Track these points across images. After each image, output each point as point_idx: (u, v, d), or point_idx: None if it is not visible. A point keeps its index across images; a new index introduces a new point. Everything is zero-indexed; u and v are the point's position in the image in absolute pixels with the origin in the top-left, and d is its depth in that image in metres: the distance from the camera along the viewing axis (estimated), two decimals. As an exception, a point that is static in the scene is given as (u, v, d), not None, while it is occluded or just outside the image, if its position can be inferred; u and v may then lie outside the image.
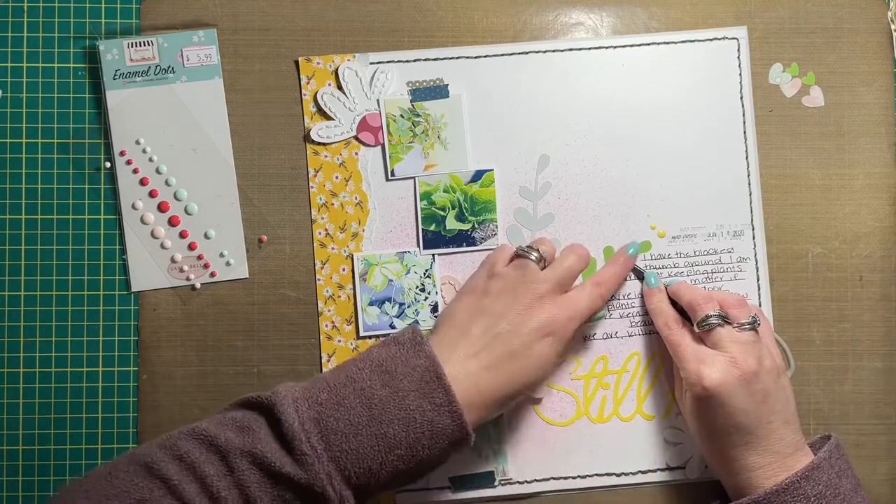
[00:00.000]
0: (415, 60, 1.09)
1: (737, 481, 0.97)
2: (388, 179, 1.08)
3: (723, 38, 1.10)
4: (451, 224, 1.08)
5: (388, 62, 1.09)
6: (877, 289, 1.09)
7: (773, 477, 0.94)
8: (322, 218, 1.08)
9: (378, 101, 1.08)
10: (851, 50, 1.10)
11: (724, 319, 0.98)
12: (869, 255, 1.09)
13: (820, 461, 0.94)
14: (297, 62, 1.08)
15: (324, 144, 1.08)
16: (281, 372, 1.06)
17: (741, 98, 1.10)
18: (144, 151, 1.07)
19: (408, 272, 1.07)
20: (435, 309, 1.07)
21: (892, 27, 1.09)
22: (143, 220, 1.07)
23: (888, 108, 1.10)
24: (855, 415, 1.09)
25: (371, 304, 1.07)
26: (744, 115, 1.10)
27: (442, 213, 1.08)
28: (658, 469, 1.08)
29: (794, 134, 1.10)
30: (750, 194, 1.09)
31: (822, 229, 1.09)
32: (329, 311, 1.08)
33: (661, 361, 1.09)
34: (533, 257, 1.00)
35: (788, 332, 1.09)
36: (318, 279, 1.08)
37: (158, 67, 1.07)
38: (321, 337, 1.07)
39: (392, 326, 1.07)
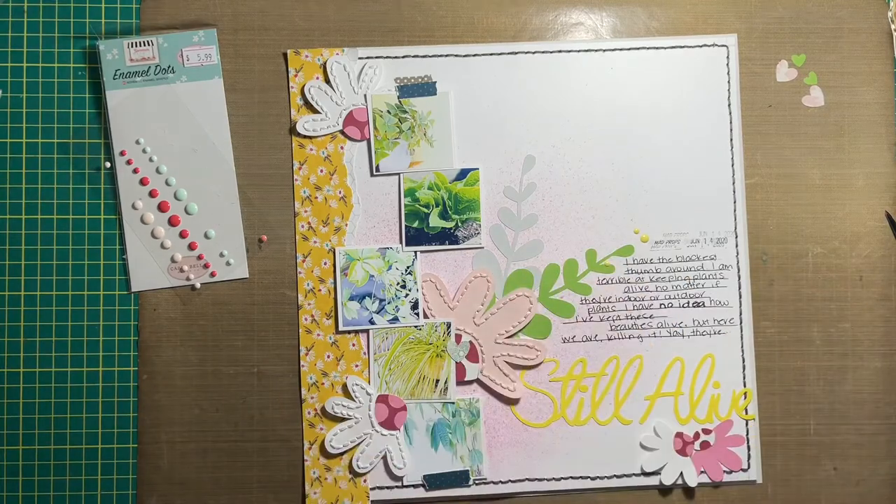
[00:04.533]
0: (403, 57, 1.09)
1: None
2: (372, 175, 1.08)
3: (713, 45, 1.10)
4: (435, 222, 1.08)
5: (376, 57, 1.09)
6: (877, 288, 1.10)
7: None
8: (305, 211, 1.08)
9: (365, 96, 1.08)
10: (852, 50, 1.10)
11: None
12: (869, 254, 1.09)
13: None
14: (285, 54, 1.08)
15: (309, 137, 1.08)
16: (281, 372, 1.06)
17: (729, 105, 1.10)
18: (144, 151, 1.07)
19: (389, 268, 1.07)
20: (415, 306, 1.07)
21: (893, 27, 1.09)
22: (143, 220, 1.07)
23: (888, 108, 1.10)
24: (855, 414, 1.09)
25: (351, 298, 1.07)
26: (731, 122, 1.10)
27: (426, 210, 1.08)
28: (633, 474, 1.08)
29: (794, 134, 1.10)
30: (734, 202, 1.09)
31: (822, 229, 1.09)
32: (309, 304, 1.08)
33: (640, 366, 1.09)
34: None
35: (789, 331, 1.09)
36: (300, 272, 1.08)
37: (158, 67, 1.07)
38: (300, 330, 1.07)
39: (372, 322, 1.07)
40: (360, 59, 1.08)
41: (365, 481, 1.06)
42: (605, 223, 1.09)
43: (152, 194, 1.07)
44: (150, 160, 1.07)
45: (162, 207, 1.07)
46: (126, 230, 1.06)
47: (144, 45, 1.07)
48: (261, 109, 1.08)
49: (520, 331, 1.08)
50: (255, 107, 1.08)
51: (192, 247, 1.07)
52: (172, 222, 1.07)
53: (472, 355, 1.07)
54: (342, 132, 1.08)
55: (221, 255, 1.07)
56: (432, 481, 1.07)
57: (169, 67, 1.07)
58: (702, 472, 1.08)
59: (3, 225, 1.07)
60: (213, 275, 1.08)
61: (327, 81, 1.08)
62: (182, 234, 1.08)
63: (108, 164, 1.07)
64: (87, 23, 1.08)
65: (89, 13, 1.08)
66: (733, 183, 1.09)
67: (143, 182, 1.07)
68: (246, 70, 1.08)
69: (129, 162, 1.07)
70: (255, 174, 1.08)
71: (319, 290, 1.07)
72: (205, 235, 1.08)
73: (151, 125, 1.07)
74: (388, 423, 1.06)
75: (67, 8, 1.08)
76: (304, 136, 1.08)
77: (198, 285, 1.07)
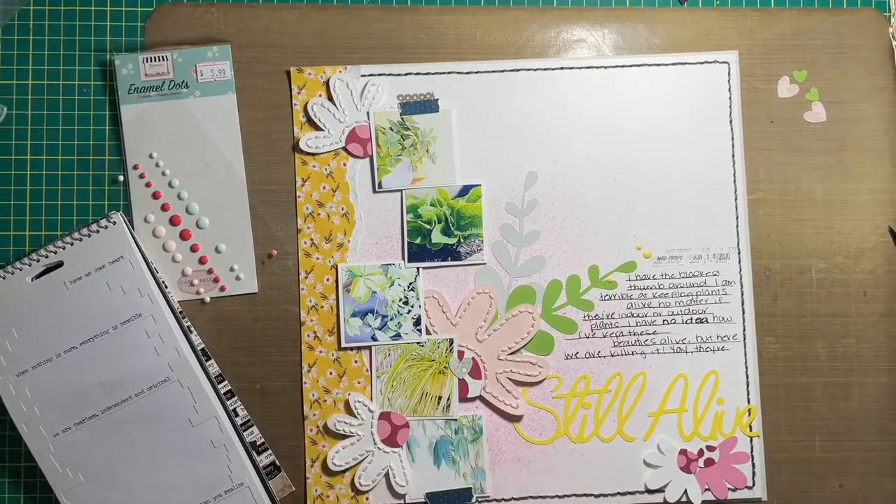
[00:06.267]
0: (406, 74, 1.09)
1: None
2: (375, 191, 1.08)
3: (714, 62, 1.10)
4: (437, 238, 1.08)
5: (379, 75, 1.09)
6: (881, 304, 1.09)
7: None
8: (308, 228, 1.08)
9: (368, 113, 1.08)
10: (853, 65, 1.10)
11: None
12: (873, 270, 1.09)
13: None
14: (288, 72, 1.09)
15: (312, 154, 1.08)
16: (283, 388, 1.07)
17: (730, 122, 1.09)
18: (157, 165, 1.08)
19: (392, 284, 1.08)
20: (418, 322, 1.08)
21: (894, 43, 1.09)
22: (154, 234, 1.08)
23: (890, 123, 1.09)
24: (861, 431, 1.08)
25: (354, 315, 1.07)
26: (733, 138, 1.09)
27: (428, 226, 1.08)
28: (637, 491, 1.08)
29: (796, 149, 1.10)
30: (737, 217, 1.09)
31: (825, 245, 1.09)
32: (311, 320, 1.08)
33: (644, 383, 1.08)
34: None
35: (793, 347, 1.09)
36: (302, 289, 1.08)
37: (172, 82, 1.07)
38: (302, 347, 1.08)
39: (374, 338, 1.07)
40: (362, 76, 1.08)
41: (367, 499, 1.07)
42: (607, 239, 1.09)
43: (164, 208, 1.08)
44: (163, 174, 1.08)
45: (173, 221, 1.08)
46: (137, 243, 1.06)
47: (159, 60, 1.07)
48: (265, 126, 1.08)
49: (522, 347, 1.08)
50: (260, 123, 1.08)
51: (202, 261, 1.08)
52: (184, 236, 1.08)
53: (475, 372, 1.07)
54: (345, 149, 1.08)
55: (231, 269, 1.08)
56: (435, 499, 1.07)
57: (183, 83, 1.08)
58: (706, 489, 1.07)
59: (23, 241, 1.08)
60: (222, 289, 1.08)
61: (330, 99, 1.08)
62: (193, 248, 1.08)
63: (120, 178, 1.07)
64: (108, 41, 1.09)
65: (111, 32, 1.09)
66: (735, 199, 1.09)
67: (155, 196, 1.08)
68: (250, 87, 1.08)
69: (141, 176, 1.08)
70: (261, 190, 1.08)
71: (322, 307, 1.08)
72: (215, 250, 1.08)
73: (165, 139, 1.08)
74: (391, 441, 1.07)
75: (88, 26, 1.09)
76: (307, 153, 1.08)
77: (207, 299, 1.08)
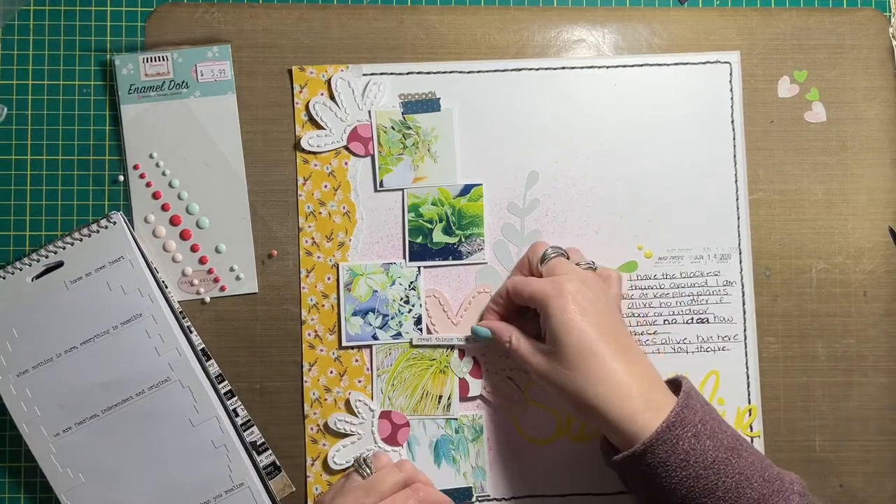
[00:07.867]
0: (408, 73, 1.09)
1: (620, 414, 0.90)
2: (376, 190, 1.08)
3: (715, 62, 1.10)
4: (438, 237, 1.08)
5: (380, 74, 1.09)
6: (881, 304, 1.09)
7: (654, 406, 0.90)
8: (309, 226, 1.08)
9: (369, 112, 1.08)
10: (853, 66, 1.10)
11: (562, 254, 1.02)
12: (873, 270, 1.09)
13: (689, 389, 0.92)
14: (290, 71, 1.09)
15: (314, 153, 1.08)
16: (283, 388, 1.07)
17: (732, 122, 1.09)
18: (157, 165, 1.08)
19: (393, 284, 1.08)
20: (418, 321, 1.08)
21: (894, 43, 1.09)
22: (154, 234, 1.08)
23: (890, 124, 1.10)
24: (860, 431, 1.08)
25: (354, 314, 1.07)
26: (734, 138, 1.09)
27: (429, 225, 1.08)
28: (637, 491, 1.08)
29: (796, 149, 1.10)
30: (738, 218, 1.09)
31: (825, 245, 1.09)
32: (312, 319, 1.08)
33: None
34: (365, 473, 1.00)
35: (793, 347, 1.09)
36: (303, 287, 1.08)
37: (172, 82, 1.07)
38: (303, 346, 1.08)
39: (375, 337, 1.07)
40: (364, 75, 1.08)
41: (367, 497, 1.06)
42: (608, 239, 1.08)
43: (164, 208, 1.08)
44: (163, 174, 1.08)
45: (174, 221, 1.08)
46: (137, 243, 1.06)
47: (159, 60, 1.07)
48: (265, 126, 1.08)
49: (523, 346, 1.08)
50: (261, 123, 1.08)
51: (202, 261, 1.08)
52: (184, 236, 1.08)
53: (476, 371, 1.07)
54: (346, 148, 1.08)
55: (231, 269, 1.08)
56: (435, 497, 1.07)
57: (183, 83, 1.07)
58: (706, 488, 1.07)
59: (23, 241, 1.08)
60: (222, 289, 1.08)
61: (332, 97, 1.08)
62: (193, 248, 1.08)
63: (120, 178, 1.07)
64: (108, 41, 1.09)
65: (111, 32, 1.09)
66: (737, 199, 1.09)
67: (155, 196, 1.08)
68: (251, 87, 1.09)
69: (142, 176, 1.08)
70: (261, 190, 1.08)
71: (323, 306, 1.08)
72: (216, 250, 1.08)
73: (165, 139, 1.08)
74: (392, 440, 1.06)
75: (88, 26, 1.09)
76: (309, 152, 1.08)
77: (207, 299, 1.08)
